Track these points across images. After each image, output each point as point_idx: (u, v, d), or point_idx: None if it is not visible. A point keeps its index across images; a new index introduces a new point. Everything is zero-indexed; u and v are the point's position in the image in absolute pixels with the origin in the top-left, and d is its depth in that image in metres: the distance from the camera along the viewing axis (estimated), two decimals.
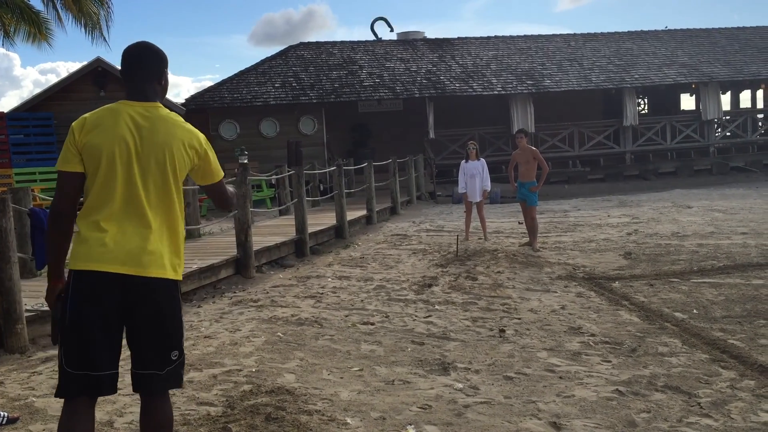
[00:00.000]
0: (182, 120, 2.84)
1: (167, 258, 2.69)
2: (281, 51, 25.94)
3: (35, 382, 4.56)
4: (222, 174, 2.98)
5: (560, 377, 4.55)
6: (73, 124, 2.72)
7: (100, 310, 2.59)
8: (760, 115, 28.04)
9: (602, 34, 29.49)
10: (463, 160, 12.30)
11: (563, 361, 4.92)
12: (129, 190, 2.66)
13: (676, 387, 4.33)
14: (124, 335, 2.70)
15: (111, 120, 2.69)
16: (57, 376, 2.62)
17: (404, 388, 4.38)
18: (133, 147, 2.67)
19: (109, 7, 19.14)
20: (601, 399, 4.12)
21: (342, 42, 27.05)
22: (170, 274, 2.69)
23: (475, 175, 11.88)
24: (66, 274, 2.72)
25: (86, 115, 2.75)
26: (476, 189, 11.89)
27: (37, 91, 21.13)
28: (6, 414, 3.81)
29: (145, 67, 2.80)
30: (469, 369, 4.79)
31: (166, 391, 2.76)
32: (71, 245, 2.72)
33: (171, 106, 20.13)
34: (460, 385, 4.41)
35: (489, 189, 12.16)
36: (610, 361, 4.91)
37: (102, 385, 2.62)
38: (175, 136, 2.74)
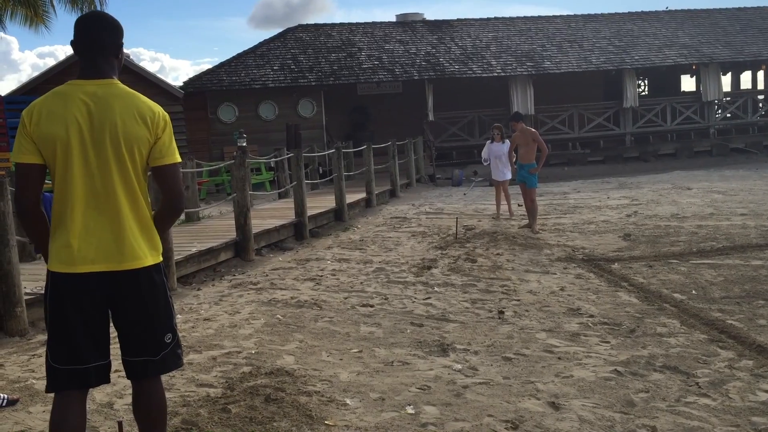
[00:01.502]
0: (140, 95, 2.61)
1: (141, 245, 2.56)
2: (280, 33, 25.79)
3: (35, 364, 4.57)
4: (177, 159, 2.65)
5: (559, 358, 4.56)
6: (23, 112, 2.54)
7: (80, 306, 2.52)
8: (761, 96, 27.92)
9: (602, 15, 29.31)
10: (489, 141, 12.89)
11: (562, 342, 4.93)
12: (89, 179, 2.51)
13: (674, 367, 4.34)
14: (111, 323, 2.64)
15: (61, 105, 2.50)
16: (46, 351, 2.61)
17: (403, 370, 4.39)
18: (87, 131, 2.49)
19: None
20: (600, 379, 4.13)
21: (341, 24, 26.89)
22: (148, 261, 2.58)
23: (499, 155, 12.38)
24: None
25: (35, 101, 2.56)
26: (500, 169, 12.35)
27: (36, 74, 21.02)
28: (6, 396, 3.82)
29: (100, 40, 2.57)
30: (468, 350, 4.80)
31: (163, 374, 2.73)
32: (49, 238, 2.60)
33: (169, 89, 20.06)
34: (459, 366, 4.42)
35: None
36: (608, 342, 4.92)
37: (90, 378, 2.57)
38: (130, 112, 2.52)
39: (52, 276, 2.56)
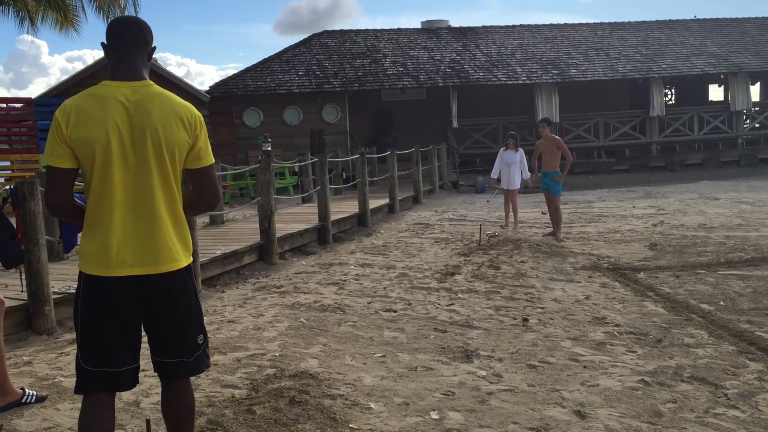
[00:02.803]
0: (175, 96, 2.62)
1: (177, 248, 2.57)
2: (305, 39, 25.95)
3: (63, 362, 4.63)
4: (212, 160, 2.68)
5: (584, 366, 4.52)
6: (56, 113, 2.47)
7: (113, 310, 2.51)
8: None
9: (629, 23, 29.08)
10: (503, 148, 12.55)
11: (587, 351, 4.89)
12: (129, 183, 2.49)
13: (702, 378, 4.28)
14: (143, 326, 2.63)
15: (99, 108, 2.46)
16: (76, 352, 2.61)
17: (427, 375, 4.37)
18: (127, 134, 2.47)
19: None
20: (626, 389, 4.08)
21: (366, 30, 26.98)
22: (183, 263, 2.59)
23: (511, 164, 12.13)
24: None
25: (68, 102, 2.51)
26: (510, 178, 12.09)
27: (64, 78, 21.37)
28: (35, 393, 3.87)
29: (134, 41, 2.57)
30: (492, 357, 4.77)
31: (195, 375, 2.72)
32: (81, 239, 2.62)
33: (195, 93, 20.26)
34: (484, 373, 4.39)
35: (527, 178, 12.26)
36: (635, 352, 4.86)
37: (121, 381, 2.56)
38: (169, 114, 2.52)
39: (86, 279, 2.54)
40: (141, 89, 2.53)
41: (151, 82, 2.58)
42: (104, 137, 2.45)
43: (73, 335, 5.59)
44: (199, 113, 2.66)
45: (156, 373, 2.73)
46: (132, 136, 2.48)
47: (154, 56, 2.69)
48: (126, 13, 19.27)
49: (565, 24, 28.89)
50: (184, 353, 2.62)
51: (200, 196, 2.70)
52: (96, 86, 2.55)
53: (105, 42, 2.60)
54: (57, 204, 2.57)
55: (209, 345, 2.79)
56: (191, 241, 2.68)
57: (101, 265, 2.49)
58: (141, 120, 2.48)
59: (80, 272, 2.57)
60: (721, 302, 6.31)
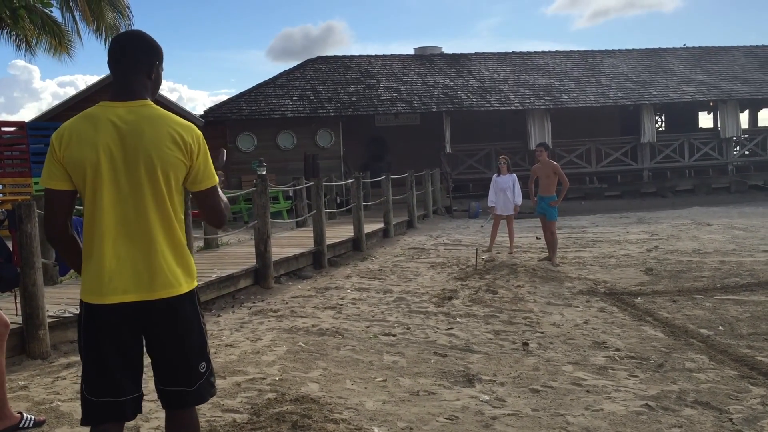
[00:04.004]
0: (173, 116, 2.51)
1: (175, 273, 2.48)
2: (299, 64, 26.09)
3: (59, 386, 4.56)
4: (216, 180, 2.57)
5: (587, 391, 4.49)
6: (52, 136, 2.44)
7: (114, 337, 2.45)
8: None
9: (620, 51, 29.44)
10: (495, 174, 12.44)
11: (589, 375, 4.86)
12: (120, 206, 2.42)
13: (706, 402, 4.26)
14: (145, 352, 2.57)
15: (91, 128, 2.41)
16: (80, 383, 2.55)
17: (429, 399, 4.33)
18: (119, 156, 2.40)
19: (130, 20, 19.41)
20: (631, 413, 4.05)
21: (359, 56, 27.17)
22: (183, 289, 2.50)
23: (505, 189, 12.03)
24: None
25: (65, 124, 2.46)
26: (507, 203, 12.01)
27: (56, 103, 21.37)
28: (33, 417, 3.81)
29: (131, 58, 2.48)
30: (494, 381, 4.73)
31: (199, 404, 2.65)
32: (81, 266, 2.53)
33: (189, 117, 20.29)
34: (486, 397, 4.36)
35: (519, 204, 12.17)
36: (637, 376, 4.84)
37: (125, 411, 2.49)
38: (163, 136, 2.42)
39: (84, 306, 2.49)
40: (136, 109, 2.45)
41: (149, 102, 2.50)
42: (95, 157, 2.39)
43: (68, 359, 5.55)
44: (200, 133, 2.56)
45: (156, 398, 2.66)
46: (124, 158, 2.41)
47: None
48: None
49: (556, 51, 29.23)
50: (185, 382, 2.54)
51: (206, 217, 2.65)
52: (92, 107, 2.49)
53: (107, 60, 2.55)
54: (54, 230, 2.51)
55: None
56: (194, 266, 2.60)
57: (95, 292, 2.44)
58: (134, 141, 2.41)
59: (80, 301, 2.52)
60: (720, 327, 6.30)
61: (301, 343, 5.76)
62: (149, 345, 2.55)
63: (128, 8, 19.27)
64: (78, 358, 5.48)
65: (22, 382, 4.76)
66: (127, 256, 2.44)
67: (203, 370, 2.59)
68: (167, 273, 2.47)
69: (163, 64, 2.61)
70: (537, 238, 13.70)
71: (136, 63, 2.50)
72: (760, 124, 30.31)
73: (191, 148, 2.48)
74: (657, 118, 29.04)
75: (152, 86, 2.56)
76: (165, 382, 2.56)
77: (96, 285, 2.43)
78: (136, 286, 2.43)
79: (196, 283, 2.59)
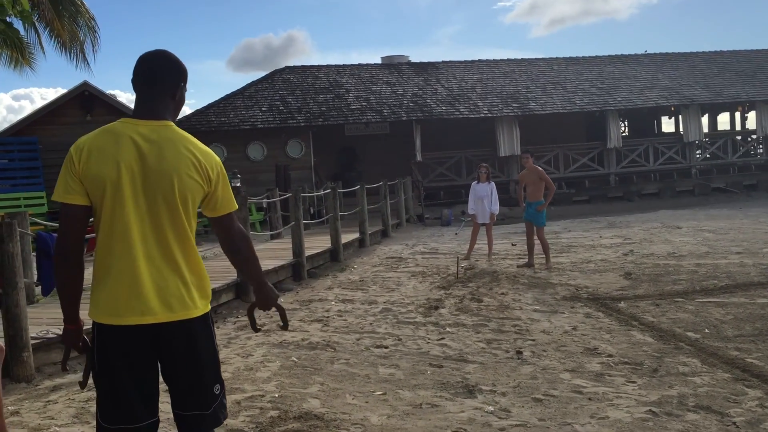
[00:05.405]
0: (194, 139, 2.50)
1: (192, 294, 2.44)
2: (267, 75, 25.94)
3: (53, 411, 4.41)
4: (235, 206, 2.59)
5: (589, 398, 4.51)
6: (71, 148, 2.39)
7: (129, 361, 2.39)
8: (739, 137, 28.48)
9: (584, 58, 29.89)
10: (474, 182, 12.56)
11: (588, 382, 4.88)
12: (139, 225, 2.38)
13: (707, 407, 4.30)
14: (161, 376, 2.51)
15: (112, 143, 2.37)
16: (76, 407, 2.48)
17: (434, 412, 4.30)
18: (139, 174, 2.37)
19: (96, 33, 19.12)
20: (637, 420, 4.07)
21: (327, 66, 27.13)
22: (200, 311, 2.46)
23: (483, 197, 12.16)
24: (85, 315, 2.47)
25: (84, 138, 2.43)
26: (485, 210, 12.13)
27: (11, 117, 20.93)
28: None
29: (157, 79, 2.47)
30: (495, 391, 4.73)
31: (215, 428, 2.59)
32: (92, 284, 2.44)
33: None
34: (491, 408, 4.34)
35: (497, 212, 12.31)
36: (634, 382, 4.87)
37: None
38: (184, 159, 2.41)
39: (98, 328, 2.42)
40: (158, 129, 2.43)
41: (171, 124, 2.47)
42: (115, 174, 2.35)
43: (54, 382, 5.39)
44: (218, 159, 2.55)
45: (165, 414, 2.60)
46: (144, 178, 2.38)
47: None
48: (85, 48, 19.03)
49: (522, 59, 29.55)
50: (202, 405, 2.49)
51: (229, 242, 2.61)
52: (114, 123, 2.46)
53: (132, 78, 2.52)
54: (67, 248, 2.41)
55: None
56: (209, 287, 2.56)
57: (112, 313, 2.37)
58: (154, 161, 2.38)
59: (93, 322, 2.44)
60: (706, 330, 6.40)
61: (293, 358, 5.68)
62: (165, 368, 2.49)
63: (93, 19, 19.01)
64: (65, 381, 5.34)
65: (12, 407, 4.60)
66: (149, 277, 2.39)
67: (217, 392, 2.55)
68: (184, 295, 2.43)
69: (187, 84, 2.59)
70: (513, 244, 13.80)
71: (161, 83, 2.48)
72: (720, 127, 31.05)
73: (209, 174, 2.47)
74: (620, 123, 29.54)
75: (175, 107, 2.53)
76: (182, 406, 2.51)
77: (113, 305, 2.37)
78: (154, 308, 2.38)
79: (209, 306, 2.54)
